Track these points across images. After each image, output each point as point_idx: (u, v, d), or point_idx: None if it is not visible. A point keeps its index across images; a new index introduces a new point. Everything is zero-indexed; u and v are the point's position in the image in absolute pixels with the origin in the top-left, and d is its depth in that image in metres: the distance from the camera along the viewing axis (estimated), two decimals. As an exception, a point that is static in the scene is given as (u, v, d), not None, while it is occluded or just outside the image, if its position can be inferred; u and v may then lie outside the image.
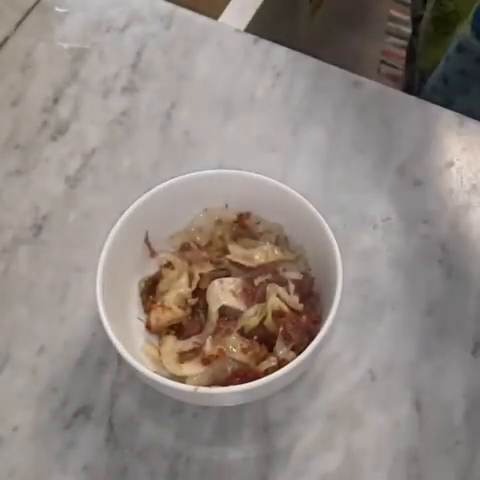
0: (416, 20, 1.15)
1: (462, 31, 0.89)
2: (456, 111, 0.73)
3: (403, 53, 1.31)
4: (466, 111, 0.85)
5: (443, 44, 0.95)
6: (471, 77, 0.90)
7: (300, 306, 0.55)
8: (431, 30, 1.06)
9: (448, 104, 0.76)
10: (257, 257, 0.57)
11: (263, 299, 0.55)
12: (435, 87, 0.95)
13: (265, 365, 0.52)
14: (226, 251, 0.58)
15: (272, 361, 0.52)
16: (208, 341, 0.53)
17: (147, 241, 0.59)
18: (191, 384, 0.51)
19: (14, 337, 0.60)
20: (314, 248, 0.57)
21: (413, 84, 1.13)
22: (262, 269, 0.57)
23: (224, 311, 0.55)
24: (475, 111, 0.85)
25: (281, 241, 0.59)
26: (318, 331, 0.52)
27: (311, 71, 0.74)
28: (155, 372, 0.51)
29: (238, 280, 0.56)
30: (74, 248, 0.64)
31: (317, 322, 0.54)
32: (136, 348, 0.55)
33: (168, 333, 0.56)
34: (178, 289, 0.57)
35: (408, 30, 1.25)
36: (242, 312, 0.54)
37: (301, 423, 0.56)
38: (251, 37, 0.76)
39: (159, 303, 0.56)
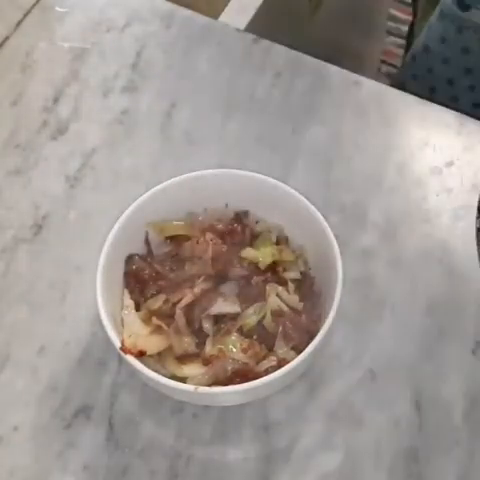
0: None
1: None
2: (437, 81, 0.72)
3: (403, 53, 1.32)
4: (446, 81, 0.83)
5: None
6: (450, 46, 0.88)
7: (300, 305, 0.55)
8: (428, 7, 1.05)
9: (428, 73, 0.74)
10: (257, 257, 0.57)
11: (261, 298, 0.55)
12: (415, 56, 0.93)
13: (265, 365, 0.52)
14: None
15: (272, 360, 0.52)
16: (208, 341, 0.53)
17: (147, 242, 0.59)
18: (192, 385, 0.51)
19: (14, 337, 0.60)
20: (314, 248, 0.57)
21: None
22: (262, 269, 0.57)
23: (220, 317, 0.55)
24: (456, 82, 0.83)
25: (281, 241, 0.59)
26: (318, 331, 0.52)
27: (311, 71, 0.74)
28: (155, 372, 0.51)
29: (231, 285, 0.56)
30: (74, 248, 0.64)
31: (317, 321, 0.54)
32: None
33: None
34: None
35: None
36: (239, 313, 0.54)
37: (301, 423, 0.56)
38: (251, 37, 0.76)
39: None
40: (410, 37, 1.25)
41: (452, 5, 0.85)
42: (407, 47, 1.27)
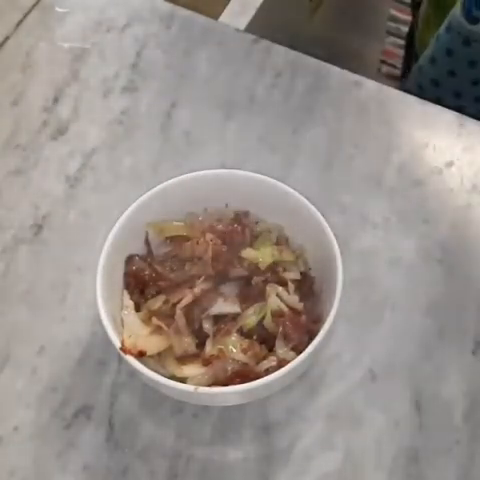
0: (416, 5, 1.14)
1: (454, 10, 0.87)
2: (442, 93, 0.72)
3: (403, 53, 1.31)
4: (453, 94, 0.83)
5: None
6: (457, 58, 0.88)
7: (300, 306, 0.55)
8: (430, 13, 1.05)
9: (434, 85, 0.74)
10: (257, 257, 0.57)
11: (261, 299, 0.55)
12: (422, 67, 0.93)
13: (265, 365, 0.52)
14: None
15: (272, 361, 0.52)
16: (208, 341, 0.53)
17: (147, 242, 0.59)
18: (192, 385, 0.51)
19: (14, 337, 0.60)
20: (314, 248, 0.57)
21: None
22: (261, 269, 0.57)
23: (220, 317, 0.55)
24: (463, 94, 0.83)
25: (281, 241, 0.59)
26: (318, 331, 0.52)
27: (311, 71, 0.74)
28: (155, 372, 0.51)
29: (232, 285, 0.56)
30: (74, 248, 0.64)
31: (317, 322, 0.54)
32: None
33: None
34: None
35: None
36: (239, 313, 0.54)
37: (301, 423, 0.56)
38: (251, 37, 0.76)
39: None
40: (410, 37, 1.24)
41: (460, 17, 0.85)
42: (407, 47, 1.26)
